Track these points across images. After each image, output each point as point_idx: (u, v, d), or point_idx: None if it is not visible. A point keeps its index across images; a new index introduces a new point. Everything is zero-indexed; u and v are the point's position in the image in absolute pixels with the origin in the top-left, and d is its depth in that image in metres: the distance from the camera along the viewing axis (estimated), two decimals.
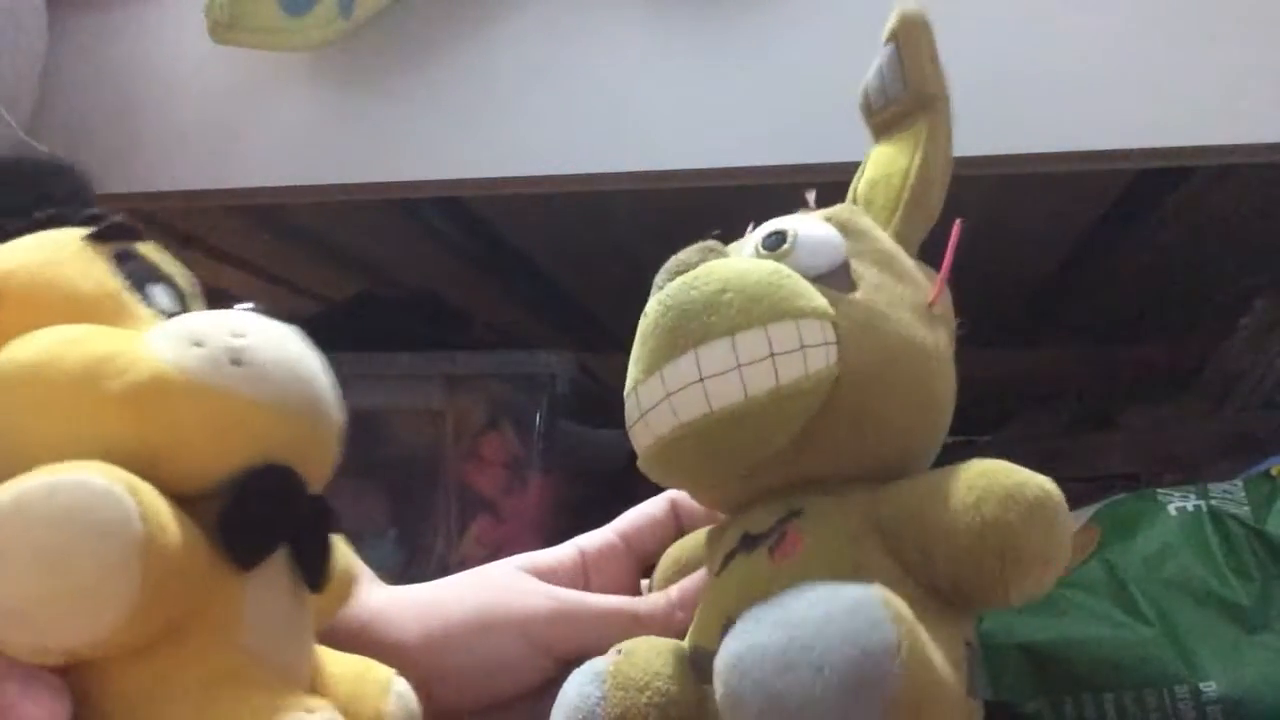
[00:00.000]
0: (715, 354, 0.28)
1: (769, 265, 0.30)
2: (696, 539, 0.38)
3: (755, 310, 0.28)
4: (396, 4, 0.50)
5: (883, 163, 0.35)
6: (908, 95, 0.34)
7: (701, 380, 0.28)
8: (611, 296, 0.92)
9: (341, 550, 0.31)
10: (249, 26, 0.50)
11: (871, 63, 0.35)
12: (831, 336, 0.29)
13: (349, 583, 0.33)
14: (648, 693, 0.28)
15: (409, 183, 0.52)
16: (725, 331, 0.28)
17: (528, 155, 0.50)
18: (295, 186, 0.53)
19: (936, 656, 0.23)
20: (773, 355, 0.28)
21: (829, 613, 0.22)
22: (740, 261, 0.30)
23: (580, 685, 0.29)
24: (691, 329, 0.28)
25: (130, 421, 0.24)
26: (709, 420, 0.28)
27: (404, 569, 0.63)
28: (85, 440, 0.24)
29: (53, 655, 0.23)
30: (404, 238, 0.76)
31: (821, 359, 0.28)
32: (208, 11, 0.50)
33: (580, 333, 1.06)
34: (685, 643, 0.31)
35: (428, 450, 0.67)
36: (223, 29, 0.50)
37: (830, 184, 0.37)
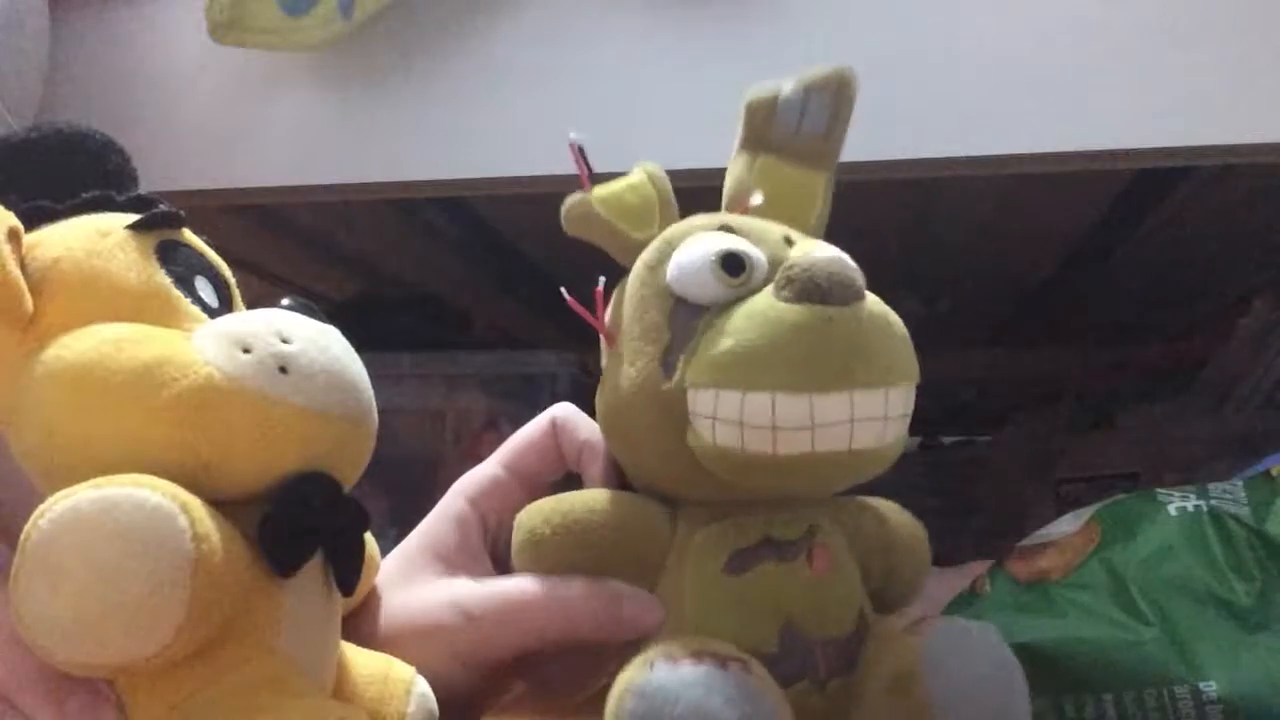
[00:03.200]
0: (898, 397, 0.30)
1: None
2: (547, 511, 0.33)
3: (912, 364, 0.30)
4: (396, 4, 0.50)
5: (789, 191, 0.35)
6: (822, 143, 0.35)
7: (885, 418, 0.29)
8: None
9: (367, 537, 0.31)
10: (249, 26, 0.50)
11: (788, 81, 0.36)
12: None
13: (372, 573, 0.33)
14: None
15: (409, 183, 0.52)
16: (903, 380, 0.30)
17: (528, 155, 0.50)
18: (295, 186, 0.53)
19: None
20: (904, 414, 0.30)
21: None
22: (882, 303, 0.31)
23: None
24: (886, 366, 0.29)
25: (180, 429, 0.24)
26: (864, 455, 0.30)
27: None
28: (134, 445, 0.24)
29: (101, 670, 0.23)
30: (404, 238, 0.76)
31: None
32: (208, 11, 0.50)
33: (580, 333, 1.06)
34: (718, 648, 0.28)
35: (428, 450, 0.67)
36: (223, 29, 0.50)
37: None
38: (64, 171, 0.29)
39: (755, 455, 0.29)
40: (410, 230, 0.73)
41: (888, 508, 0.36)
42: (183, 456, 0.24)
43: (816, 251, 0.30)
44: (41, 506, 0.22)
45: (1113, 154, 0.46)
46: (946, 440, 1.22)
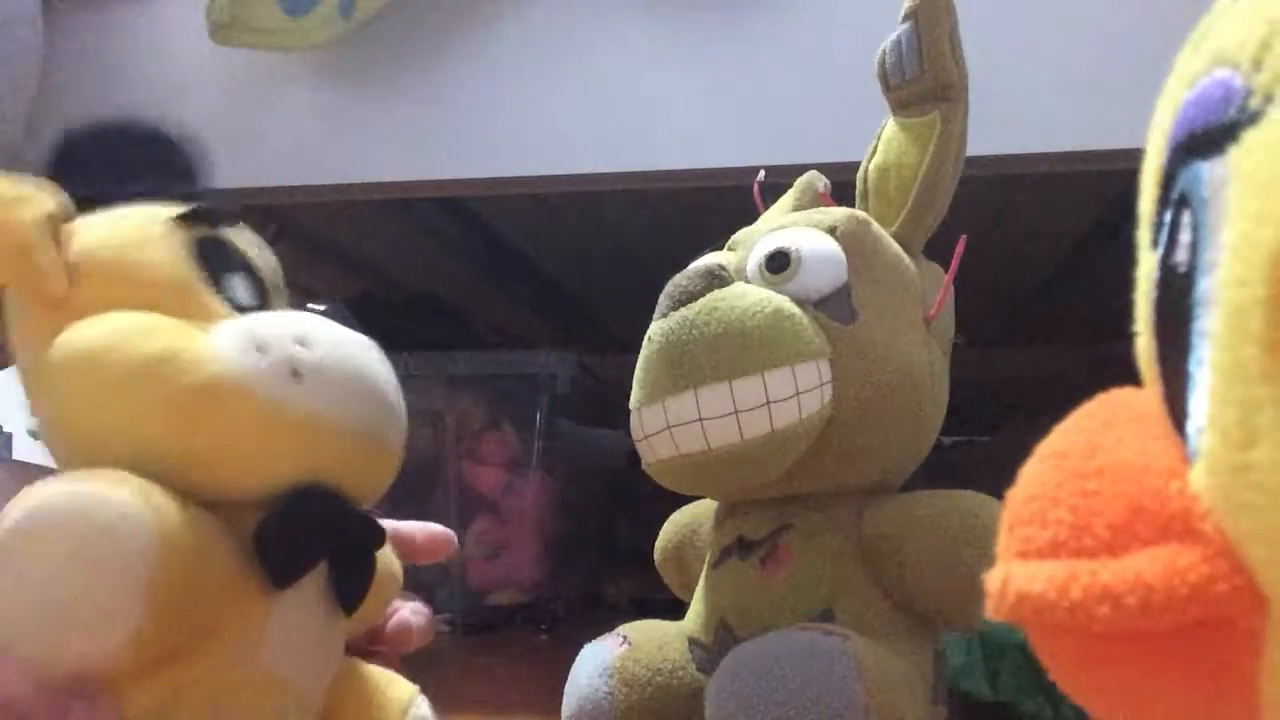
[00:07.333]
0: (714, 398, 0.28)
1: (770, 305, 0.29)
2: (695, 508, 0.38)
3: (753, 357, 0.28)
4: (397, 4, 0.50)
5: (895, 149, 0.34)
6: (925, 78, 0.33)
7: (700, 420, 0.29)
8: (611, 296, 0.93)
9: (384, 555, 0.31)
10: (249, 26, 0.50)
11: (890, 34, 0.34)
12: (827, 376, 0.29)
13: (394, 586, 0.32)
14: (650, 689, 0.30)
15: (409, 183, 0.52)
16: (724, 377, 0.28)
17: (528, 155, 0.50)
18: (295, 186, 0.53)
19: (903, 706, 0.26)
20: (769, 403, 0.28)
21: (807, 677, 0.24)
22: (742, 297, 0.29)
23: (590, 678, 0.31)
24: (691, 370, 0.29)
25: (178, 424, 0.24)
26: (707, 455, 0.29)
27: (403, 569, 0.63)
28: (130, 437, 0.24)
29: (68, 673, 0.22)
30: (404, 238, 0.76)
31: (816, 401, 0.29)
32: (208, 12, 0.50)
33: (580, 333, 1.06)
34: (684, 630, 0.33)
35: (428, 450, 0.67)
36: (223, 29, 0.50)
37: (831, 184, 0.37)
38: (131, 162, 0.29)
39: (648, 464, 0.31)
40: (410, 230, 0.73)
41: (937, 513, 0.29)
42: (177, 451, 0.24)
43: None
44: (7, 507, 0.22)
45: (1113, 154, 0.46)
46: (946, 440, 1.22)
